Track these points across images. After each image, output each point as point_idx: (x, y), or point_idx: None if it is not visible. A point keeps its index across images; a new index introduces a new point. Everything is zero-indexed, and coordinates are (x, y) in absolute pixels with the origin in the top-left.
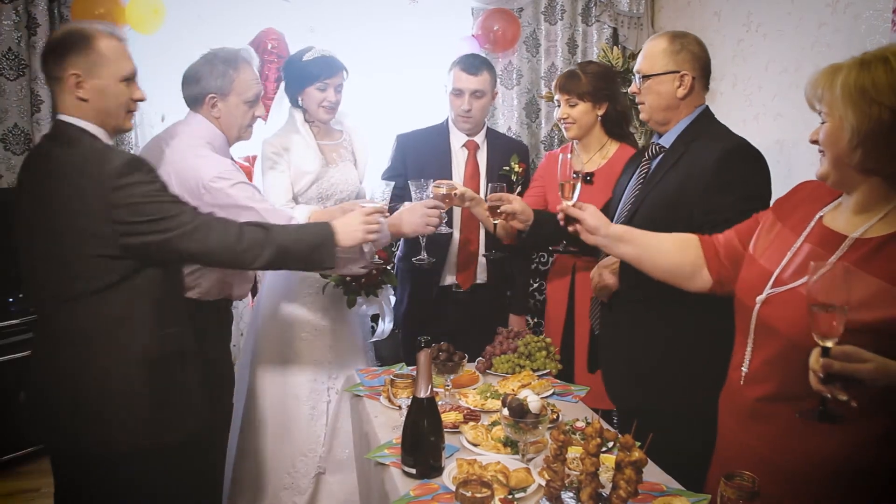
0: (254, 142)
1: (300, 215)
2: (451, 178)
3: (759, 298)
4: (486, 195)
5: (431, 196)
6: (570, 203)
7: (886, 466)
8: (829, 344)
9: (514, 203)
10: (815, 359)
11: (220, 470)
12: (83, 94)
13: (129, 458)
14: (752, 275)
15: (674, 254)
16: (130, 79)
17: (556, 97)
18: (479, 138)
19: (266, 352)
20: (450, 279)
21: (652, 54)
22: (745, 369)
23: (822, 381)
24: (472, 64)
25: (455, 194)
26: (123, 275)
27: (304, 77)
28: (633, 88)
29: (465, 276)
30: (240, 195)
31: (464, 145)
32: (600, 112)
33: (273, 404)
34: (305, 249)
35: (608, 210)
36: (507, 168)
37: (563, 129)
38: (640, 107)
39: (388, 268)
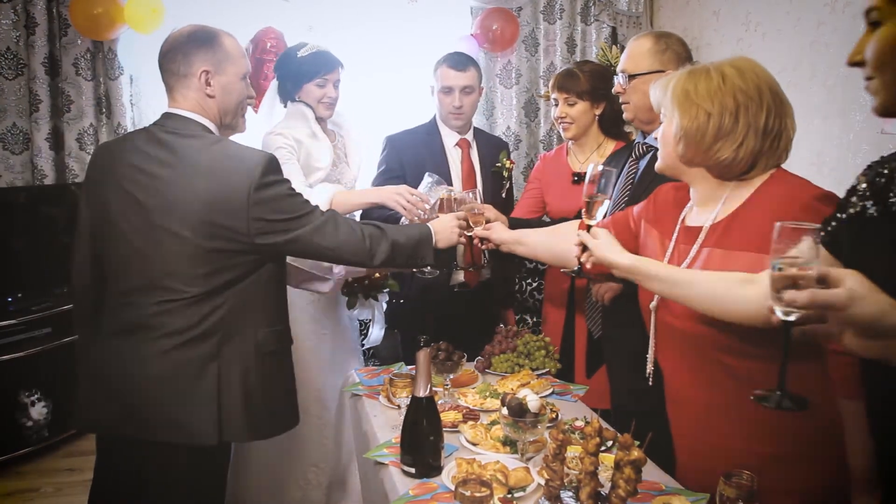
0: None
1: (323, 195)
2: (448, 177)
3: (652, 305)
4: (481, 194)
5: (436, 195)
6: (594, 223)
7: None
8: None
9: (493, 231)
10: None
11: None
12: (211, 91)
13: (204, 452)
14: None
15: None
16: (246, 77)
17: (554, 96)
18: (470, 137)
19: None
20: (456, 278)
21: (636, 54)
22: (650, 367)
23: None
24: (458, 60)
25: (471, 200)
26: (247, 270)
27: (302, 74)
28: (617, 88)
29: (473, 275)
30: None
31: (457, 144)
32: (598, 111)
33: None
34: (412, 246)
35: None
36: (499, 165)
37: (561, 129)
38: (624, 106)
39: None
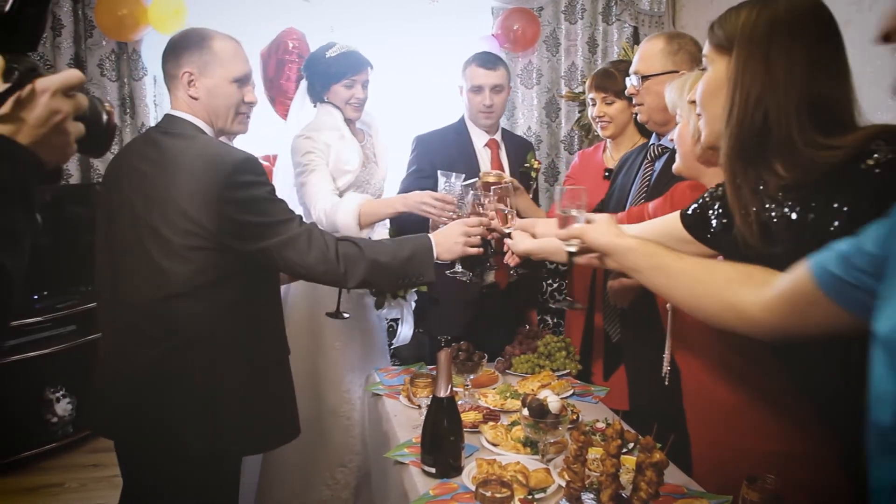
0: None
1: (350, 205)
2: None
3: (669, 305)
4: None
5: (459, 190)
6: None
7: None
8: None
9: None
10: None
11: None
12: (194, 93)
13: (215, 460)
14: None
15: None
16: (243, 81)
17: (591, 96)
18: (498, 137)
19: (294, 353)
20: (485, 278)
21: (649, 55)
22: (666, 367)
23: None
24: (488, 59)
25: (505, 184)
26: (231, 272)
27: (330, 75)
28: (630, 90)
29: (503, 275)
30: None
31: (486, 144)
32: (635, 110)
33: (307, 419)
34: (400, 265)
35: (606, 205)
36: (527, 165)
37: (599, 128)
38: (638, 108)
39: None
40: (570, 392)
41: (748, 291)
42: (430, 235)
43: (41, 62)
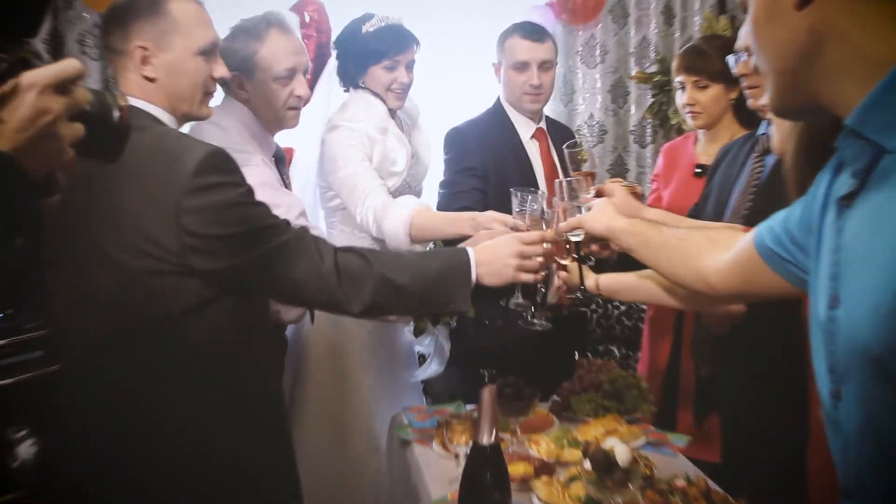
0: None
1: (403, 210)
2: (535, 180)
3: None
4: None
5: (534, 209)
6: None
7: None
8: None
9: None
10: None
11: None
12: (150, 72)
13: None
14: None
15: None
16: (210, 52)
17: (679, 79)
18: (544, 126)
19: (316, 397)
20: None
21: None
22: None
23: None
24: (533, 30)
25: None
26: (204, 298)
27: (367, 54)
28: (741, 69)
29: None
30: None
31: (533, 136)
32: (733, 95)
33: (326, 476)
34: (424, 286)
35: (701, 210)
36: (580, 159)
37: (689, 118)
38: (750, 91)
39: None
40: (643, 441)
41: (711, 258)
42: (470, 250)
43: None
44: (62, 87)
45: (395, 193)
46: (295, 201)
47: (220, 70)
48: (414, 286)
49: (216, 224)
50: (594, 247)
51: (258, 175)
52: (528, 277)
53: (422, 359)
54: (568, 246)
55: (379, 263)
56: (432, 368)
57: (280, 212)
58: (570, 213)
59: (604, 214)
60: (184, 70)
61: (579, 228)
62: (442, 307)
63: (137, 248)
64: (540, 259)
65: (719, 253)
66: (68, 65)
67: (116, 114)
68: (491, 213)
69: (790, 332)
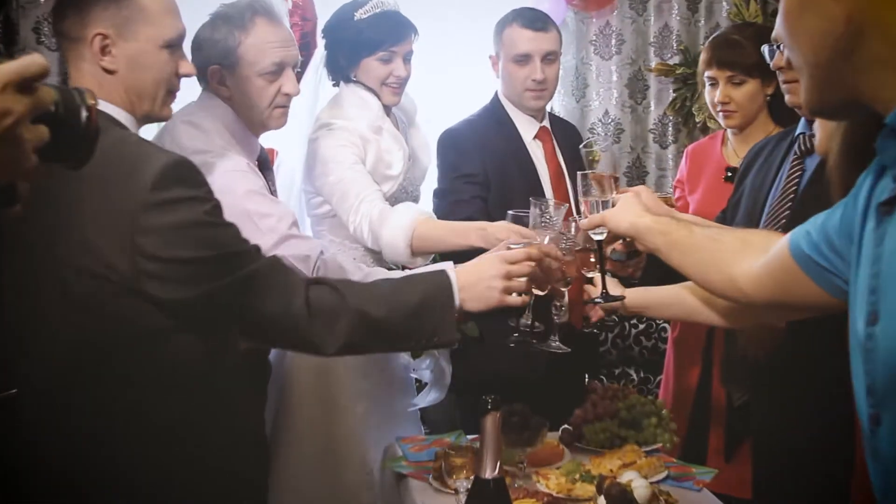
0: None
1: (403, 219)
2: (539, 185)
3: None
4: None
5: (560, 226)
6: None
7: None
8: None
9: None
10: None
11: None
12: (109, 63)
13: None
14: None
15: None
16: (176, 45)
17: (710, 74)
18: (548, 124)
19: (302, 427)
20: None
21: None
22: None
23: None
24: (535, 17)
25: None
26: (165, 326)
27: (359, 44)
28: (777, 61)
29: (578, 315)
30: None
31: (536, 136)
32: (770, 91)
33: (312, 501)
34: (402, 318)
35: (730, 218)
36: (591, 158)
37: (721, 117)
38: (788, 87)
39: None
40: (664, 474)
41: (744, 263)
42: (451, 272)
43: None
44: (25, 85)
45: (391, 199)
46: (286, 211)
47: (186, 67)
48: (392, 319)
49: (176, 246)
50: (617, 245)
51: (245, 182)
52: (515, 300)
53: (419, 382)
54: (593, 258)
55: (353, 296)
56: (432, 396)
57: (271, 222)
58: (594, 210)
59: (629, 211)
60: (147, 63)
61: (602, 226)
62: (424, 340)
63: (87, 269)
64: (524, 280)
65: (753, 257)
66: (31, 61)
67: (84, 115)
68: (505, 224)
69: (836, 353)
